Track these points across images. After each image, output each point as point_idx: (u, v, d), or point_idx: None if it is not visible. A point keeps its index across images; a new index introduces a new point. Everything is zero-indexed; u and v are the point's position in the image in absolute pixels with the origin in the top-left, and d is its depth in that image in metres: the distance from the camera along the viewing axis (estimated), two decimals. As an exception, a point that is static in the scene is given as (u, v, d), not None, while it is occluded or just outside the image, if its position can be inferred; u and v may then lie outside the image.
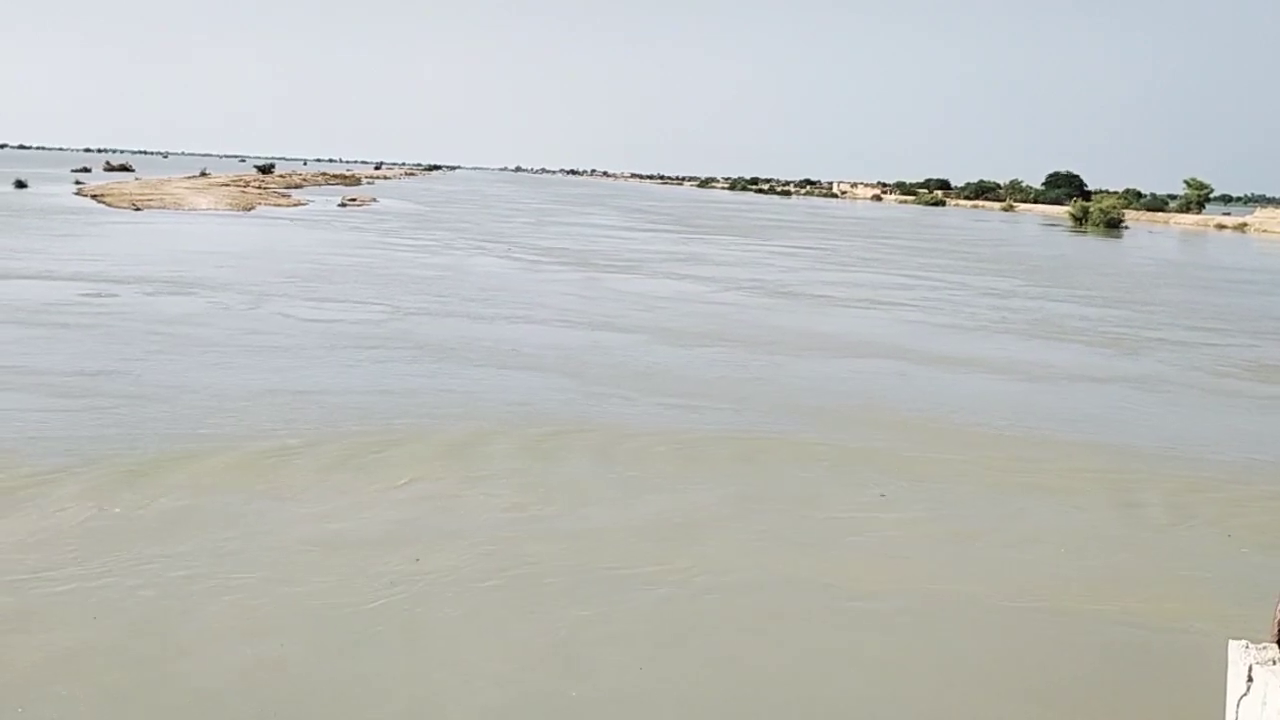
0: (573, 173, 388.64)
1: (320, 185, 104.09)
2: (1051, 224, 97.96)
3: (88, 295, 20.78)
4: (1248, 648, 2.37)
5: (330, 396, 13.19)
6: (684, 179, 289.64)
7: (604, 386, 14.71)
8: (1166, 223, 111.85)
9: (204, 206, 55.78)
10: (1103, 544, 9.25)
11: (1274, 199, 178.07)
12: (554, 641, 6.96)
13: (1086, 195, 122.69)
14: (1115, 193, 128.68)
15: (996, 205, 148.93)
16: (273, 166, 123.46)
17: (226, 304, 20.51)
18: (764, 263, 37.45)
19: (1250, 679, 2.25)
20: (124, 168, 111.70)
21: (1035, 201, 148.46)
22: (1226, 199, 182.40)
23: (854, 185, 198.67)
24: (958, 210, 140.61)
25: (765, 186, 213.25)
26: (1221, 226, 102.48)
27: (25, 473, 9.72)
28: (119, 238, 35.21)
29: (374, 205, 69.48)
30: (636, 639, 7.06)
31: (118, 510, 8.93)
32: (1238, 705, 2.33)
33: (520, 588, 7.74)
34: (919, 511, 9.91)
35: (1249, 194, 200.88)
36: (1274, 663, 2.25)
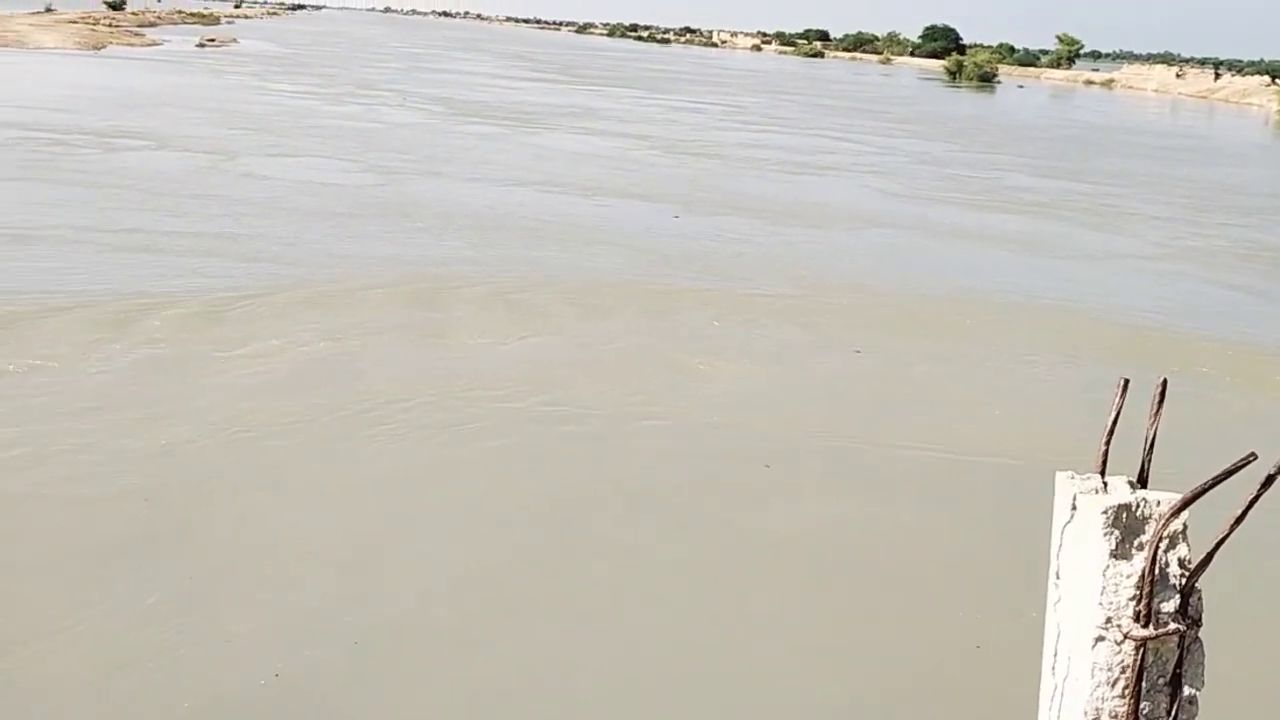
0: (445, 14, 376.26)
1: (176, 24, 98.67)
2: (927, 78, 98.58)
3: (52, 146, 19.56)
4: (1073, 478, 2.45)
5: (433, 266, 13.12)
6: (561, 24, 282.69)
7: (683, 267, 14.25)
8: (1038, 78, 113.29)
9: (50, 45, 52.34)
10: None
11: (1140, 55, 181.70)
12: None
13: (962, 49, 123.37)
14: (989, 47, 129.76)
15: (875, 58, 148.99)
16: (124, 3, 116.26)
17: (210, 162, 19.39)
18: (672, 120, 36.19)
19: (1074, 507, 2.41)
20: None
21: (912, 54, 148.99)
22: (1096, 55, 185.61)
23: (734, 35, 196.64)
24: (837, 62, 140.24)
25: (644, 34, 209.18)
26: (1090, 83, 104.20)
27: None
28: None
29: (235, 46, 66.16)
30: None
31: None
32: (1062, 531, 2.48)
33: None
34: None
35: (1118, 50, 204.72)
36: (1095, 492, 2.38)
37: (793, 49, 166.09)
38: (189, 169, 18.59)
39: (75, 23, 72.26)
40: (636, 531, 6.81)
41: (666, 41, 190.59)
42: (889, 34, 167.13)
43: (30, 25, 63.44)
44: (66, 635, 5.29)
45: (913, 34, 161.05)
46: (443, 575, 6.16)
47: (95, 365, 8.83)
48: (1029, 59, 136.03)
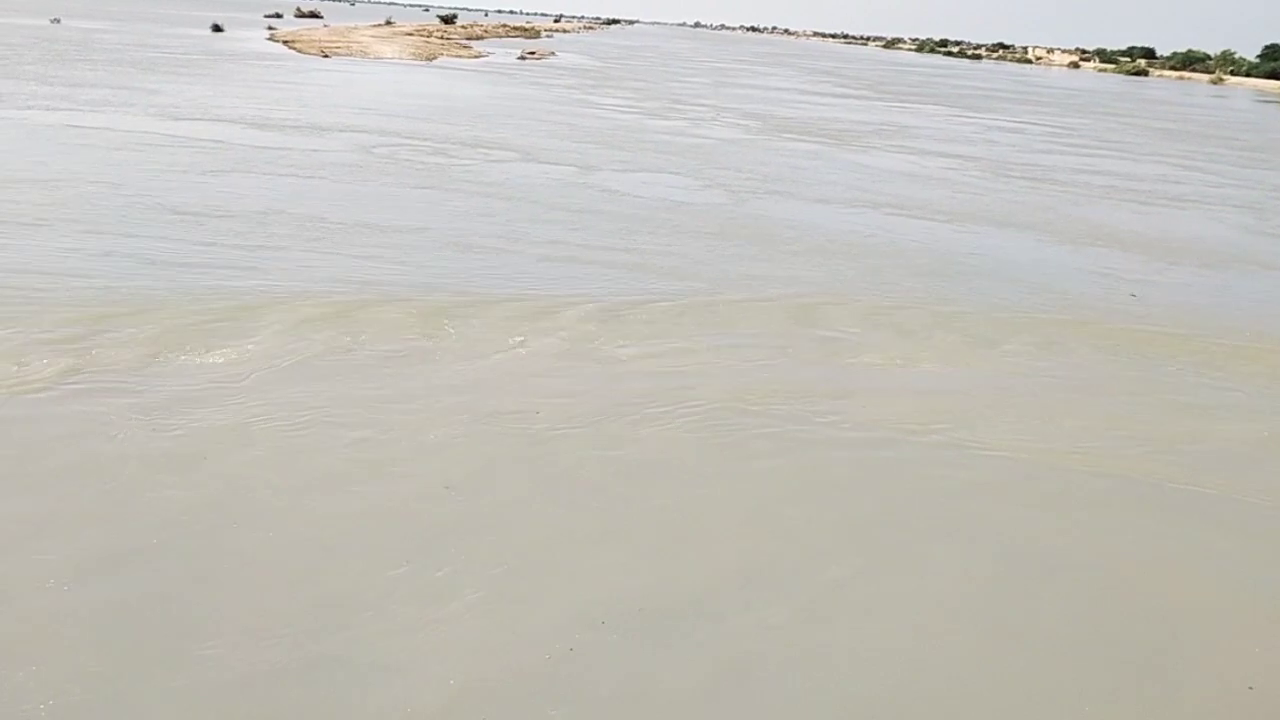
0: (753, 29, 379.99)
1: (500, 37, 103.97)
2: (1266, 100, 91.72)
3: (435, 156, 21.19)
4: None
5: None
6: (868, 39, 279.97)
7: (1080, 305, 13.70)
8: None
9: (388, 55, 55.90)
10: None
11: None
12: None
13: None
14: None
15: (1205, 78, 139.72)
16: (455, 17, 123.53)
17: (575, 175, 20.41)
18: (991, 140, 34.87)
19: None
20: (313, 14, 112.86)
21: (1248, 75, 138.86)
22: None
23: (1049, 51, 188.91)
24: (1162, 81, 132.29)
25: (955, 50, 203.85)
26: None
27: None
28: (340, 87, 35.16)
29: (553, 59, 68.86)
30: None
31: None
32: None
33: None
34: None
35: None
36: None
37: (1114, 66, 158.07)
38: (561, 182, 19.50)
39: (411, 35, 77.22)
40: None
41: (978, 58, 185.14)
42: (1222, 52, 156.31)
43: (372, 37, 68.20)
44: (376, 610, 5.72)
45: (1249, 53, 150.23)
46: (725, 567, 6.42)
47: (500, 354, 9.75)
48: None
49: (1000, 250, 16.61)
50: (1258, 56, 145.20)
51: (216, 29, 68.74)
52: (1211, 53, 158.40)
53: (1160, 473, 8.18)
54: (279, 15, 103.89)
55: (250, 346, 9.32)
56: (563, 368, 9.44)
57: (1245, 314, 13.80)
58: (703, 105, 39.97)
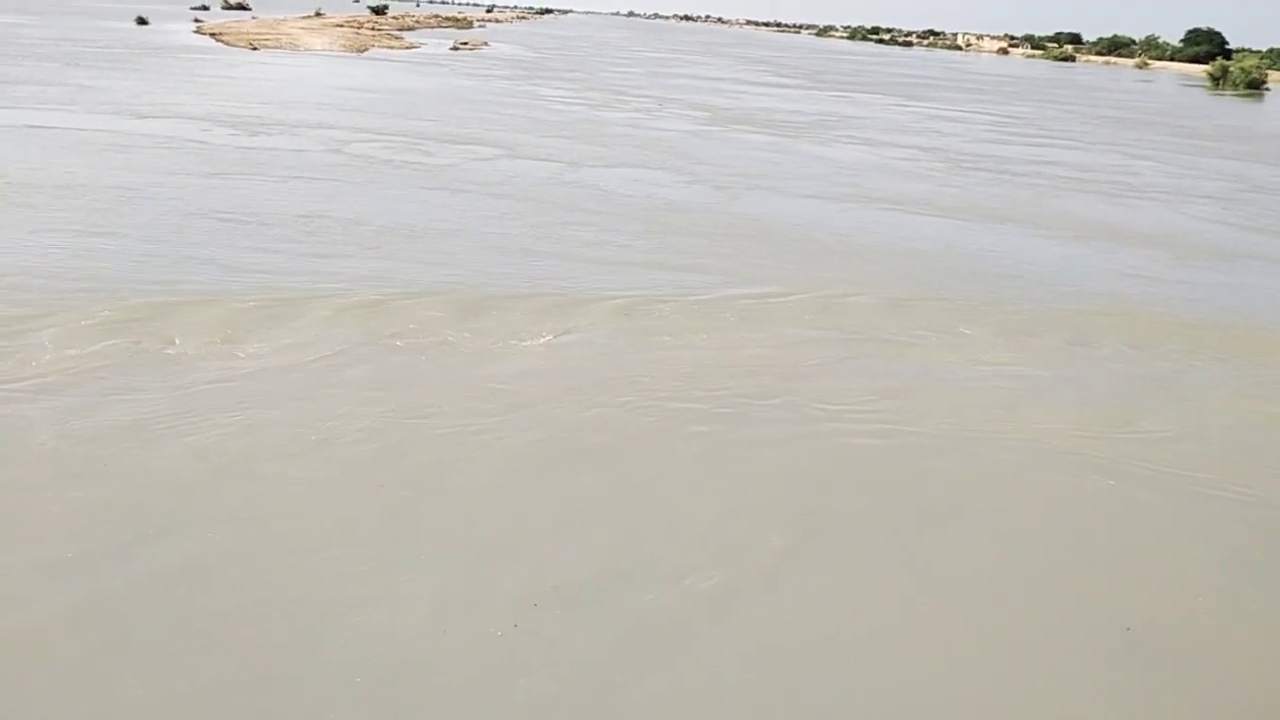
0: (686, 18, 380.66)
1: (432, 28, 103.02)
2: (1189, 84, 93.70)
3: (418, 155, 20.91)
4: None
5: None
6: (801, 27, 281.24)
7: (1110, 298, 13.84)
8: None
9: (319, 47, 55.17)
10: None
11: None
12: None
13: (1228, 55, 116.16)
14: (1258, 52, 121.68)
15: (1130, 63, 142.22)
16: (386, 7, 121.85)
17: (560, 171, 20.27)
18: (935, 130, 34.94)
19: None
20: (241, 6, 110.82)
21: (1172, 59, 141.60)
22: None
23: (979, 38, 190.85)
24: (1089, 66, 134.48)
25: (886, 37, 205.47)
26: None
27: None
28: (280, 81, 34.57)
29: (486, 50, 68.63)
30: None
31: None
32: None
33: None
34: None
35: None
36: None
37: (1042, 52, 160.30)
38: (555, 181, 19.33)
39: (341, 26, 76.11)
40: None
41: (909, 44, 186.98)
42: (1147, 37, 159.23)
43: (302, 29, 67.13)
44: (368, 606, 5.86)
45: (1173, 38, 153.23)
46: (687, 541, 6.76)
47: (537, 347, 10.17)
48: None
49: (1017, 250, 16.63)
50: (1180, 41, 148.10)
51: (141, 22, 67.19)
52: (1136, 38, 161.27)
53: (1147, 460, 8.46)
54: (206, 8, 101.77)
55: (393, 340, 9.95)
56: (622, 360, 9.81)
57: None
58: (644, 96, 39.79)
